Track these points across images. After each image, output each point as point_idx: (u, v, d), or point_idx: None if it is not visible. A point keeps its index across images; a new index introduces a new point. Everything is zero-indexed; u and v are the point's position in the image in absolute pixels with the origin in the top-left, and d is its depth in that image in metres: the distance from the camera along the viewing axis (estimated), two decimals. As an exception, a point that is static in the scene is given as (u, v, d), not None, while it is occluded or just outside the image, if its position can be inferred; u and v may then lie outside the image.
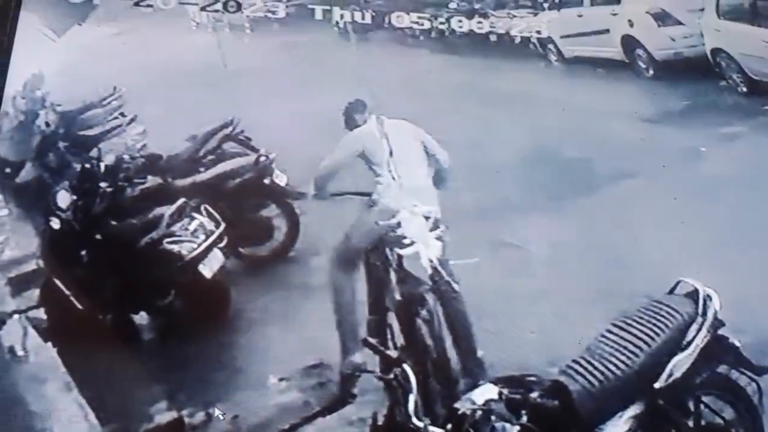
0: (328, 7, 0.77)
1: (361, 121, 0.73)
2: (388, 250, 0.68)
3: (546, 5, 0.82)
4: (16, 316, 0.61)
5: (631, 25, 0.82)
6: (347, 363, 0.65)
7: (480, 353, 0.64)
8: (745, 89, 0.80)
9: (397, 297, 0.66)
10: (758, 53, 0.82)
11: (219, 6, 0.75)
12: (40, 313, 0.61)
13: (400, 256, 0.68)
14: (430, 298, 0.65)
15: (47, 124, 0.68)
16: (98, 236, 0.64)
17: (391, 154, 0.71)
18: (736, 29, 0.84)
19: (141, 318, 0.63)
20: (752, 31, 0.84)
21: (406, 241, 0.68)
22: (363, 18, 0.77)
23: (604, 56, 0.82)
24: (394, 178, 0.70)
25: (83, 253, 0.64)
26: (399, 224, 0.68)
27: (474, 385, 0.63)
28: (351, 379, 0.63)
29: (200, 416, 0.58)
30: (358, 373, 0.63)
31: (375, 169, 0.70)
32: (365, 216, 0.69)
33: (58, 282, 0.62)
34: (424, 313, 0.65)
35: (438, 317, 0.65)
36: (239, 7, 0.75)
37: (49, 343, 0.60)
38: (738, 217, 0.74)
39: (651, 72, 0.80)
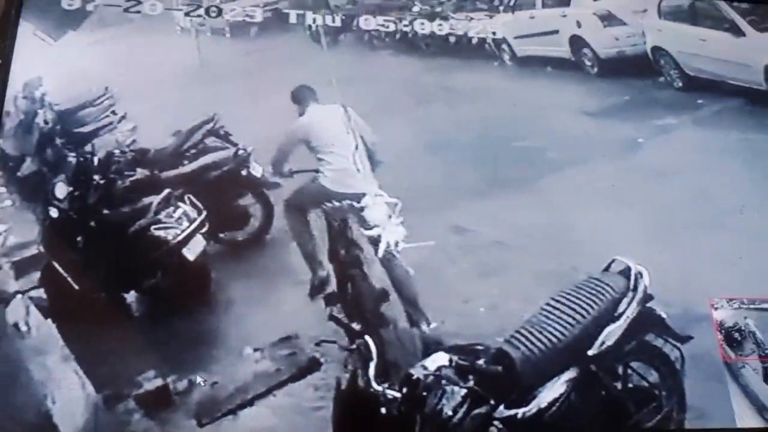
0: (301, 12, 0.78)
1: (301, 111, 0.73)
2: (350, 221, 0.69)
3: (501, 8, 0.83)
4: (19, 296, 0.62)
5: (579, 26, 0.84)
6: (316, 278, 0.67)
7: (434, 325, 0.66)
8: (680, 84, 0.82)
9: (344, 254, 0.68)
10: (694, 50, 0.84)
11: (201, 12, 0.76)
12: (41, 293, 0.63)
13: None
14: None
15: (45, 122, 0.69)
16: (92, 224, 0.66)
17: (356, 147, 0.73)
18: (676, 28, 0.85)
19: (131, 297, 0.65)
20: (690, 30, 0.85)
21: (370, 224, 0.70)
22: (333, 21, 0.78)
23: (554, 55, 0.83)
24: (358, 170, 0.72)
25: (79, 239, 0.65)
26: (362, 209, 0.71)
27: (427, 354, 0.65)
28: (320, 290, 0.66)
29: (184, 383, 0.60)
30: (323, 292, 0.66)
31: (318, 156, 0.71)
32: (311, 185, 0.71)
33: (56, 265, 0.64)
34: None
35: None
36: (220, 12, 0.77)
37: (49, 320, 0.62)
38: (670, 202, 0.75)
39: (596, 69, 0.82)
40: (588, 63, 0.79)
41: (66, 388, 0.59)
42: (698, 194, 0.76)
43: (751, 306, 0.71)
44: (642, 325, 0.68)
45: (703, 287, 0.71)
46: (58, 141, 0.69)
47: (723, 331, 0.69)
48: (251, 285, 0.66)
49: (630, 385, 0.66)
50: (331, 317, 0.65)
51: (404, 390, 0.62)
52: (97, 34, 0.74)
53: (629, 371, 0.66)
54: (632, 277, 0.69)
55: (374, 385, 0.62)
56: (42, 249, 0.63)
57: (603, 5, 0.83)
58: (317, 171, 0.68)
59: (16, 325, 0.61)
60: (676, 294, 0.70)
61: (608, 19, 0.82)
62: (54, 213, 0.65)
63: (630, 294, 0.68)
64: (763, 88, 0.82)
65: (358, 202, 0.70)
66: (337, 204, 0.69)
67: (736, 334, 0.69)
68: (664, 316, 0.68)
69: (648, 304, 0.68)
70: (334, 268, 0.67)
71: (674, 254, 0.73)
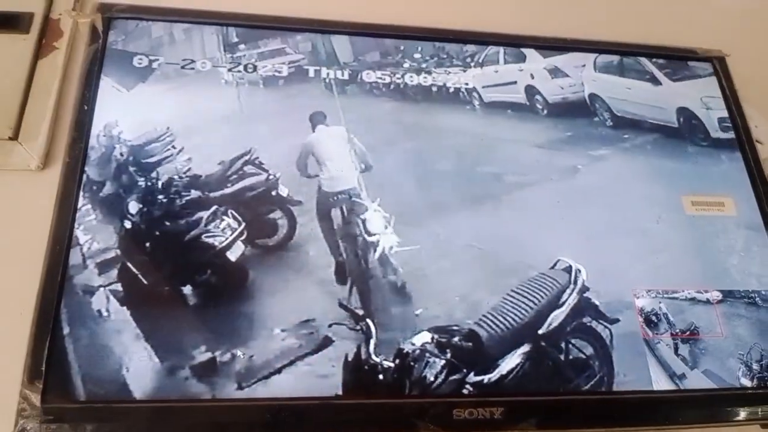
0: (318, 68, 0.80)
1: (313, 129, 0.74)
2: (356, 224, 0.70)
3: (472, 64, 0.83)
4: (101, 288, 0.63)
5: (532, 78, 0.84)
6: (337, 263, 0.67)
7: (419, 311, 0.67)
8: (611, 123, 0.82)
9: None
10: (622, 96, 0.84)
11: (241, 68, 0.78)
12: (118, 287, 0.63)
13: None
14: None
15: (121, 155, 0.70)
16: (157, 233, 0.66)
17: (363, 170, 0.74)
18: (607, 79, 0.85)
19: (187, 289, 0.65)
20: (619, 80, 0.86)
21: (371, 233, 0.71)
22: (342, 75, 0.80)
23: (513, 101, 0.83)
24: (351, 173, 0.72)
25: (147, 244, 0.66)
26: (366, 220, 0.72)
27: (414, 333, 0.66)
28: (341, 272, 0.67)
29: (227, 356, 0.61)
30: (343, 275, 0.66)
31: (320, 166, 0.72)
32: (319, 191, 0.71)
33: (130, 265, 0.64)
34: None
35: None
36: (255, 68, 0.78)
37: (125, 307, 0.62)
38: (603, 215, 0.76)
39: (545, 112, 0.82)
40: (539, 106, 0.79)
41: (137, 360, 0.60)
42: (624, 208, 0.77)
43: (665, 295, 0.72)
44: (580, 310, 0.69)
45: (628, 281, 0.72)
46: (131, 169, 0.69)
47: (643, 315, 0.71)
48: (279, 280, 0.66)
49: (570, 357, 0.67)
50: (341, 305, 0.65)
51: (396, 361, 0.64)
52: (160, 85, 0.74)
53: (570, 346, 0.68)
54: (573, 273, 0.71)
55: (373, 357, 0.63)
56: (119, 252, 0.64)
57: (551, 62, 0.83)
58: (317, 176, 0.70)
59: (99, 312, 0.62)
60: (607, 286, 0.71)
61: (555, 72, 0.82)
62: (128, 225, 0.66)
63: (571, 286, 0.70)
64: (675, 126, 0.83)
65: (350, 197, 0.71)
66: (335, 199, 0.70)
67: (653, 317, 0.71)
68: (597, 303, 0.70)
69: (585, 294, 0.70)
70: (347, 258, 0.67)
71: (605, 255, 0.74)
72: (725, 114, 0.84)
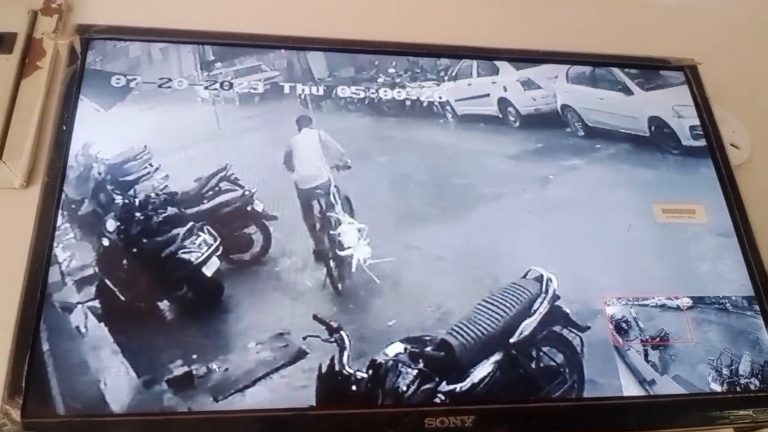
0: (293, 84, 0.82)
1: (298, 131, 0.77)
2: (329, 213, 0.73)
3: (446, 78, 0.84)
4: (79, 305, 0.64)
5: (505, 90, 0.85)
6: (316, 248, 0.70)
7: (392, 322, 0.68)
8: (583, 133, 0.83)
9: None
10: (594, 107, 0.85)
11: (217, 86, 0.80)
12: (96, 304, 0.64)
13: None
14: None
15: (99, 173, 0.71)
16: (134, 250, 0.68)
17: (340, 168, 0.76)
18: (580, 90, 0.86)
19: (164, 305, 0.66)
20: (591, 91, 0.87)
21: (345, 246, 0.73)
22: (317, 91, 0.82)
23: (485, 113, 0.84)
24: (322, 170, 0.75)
25: (125, 261, 0.67)
26: (339, 234, 0.74)
27: (388, 344, 0.67)
28: (320, 255, 0.70)
29: (203, 369, 0.63)
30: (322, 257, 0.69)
31: (296, 164, 0.75)
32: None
33: (107, 281, 0.66)
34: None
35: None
36: (231, 86, 0.80)
37: (102, 324, 0.63)
38: (574, 224, 0.77)
39: (517, 123, 0.83)
40: (512, 118, 0.80)
41: (114, 374, 0.62)
42: (595, 217, 0.78)
43: (636, 302, 0.74)
44: (551, 318, 0.71)
45: (599, 289, 0.74)
46: (109, 187, 0.71)
47: (613, 322, 0.73)
48: (254, 293, 0.68)
49: (541, 365, 0.69)
50: (315, 318, 0.67)
51: (370, 372, 0.65)
52: (137, 104, 0.76)
53: (541, 354, 0.69)
54: (544, 282, 0.73)
55: (347, 368, 0.65)
56: (97, 270, 0.66)
57: (524, 74, 0.84)
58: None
59: (77, 328, 0.64)
60: (578, 294, 0.73)
61: (528, 84, 0.84)
62: (106, 242, 0.67)
63: (542, 295, 0.72)
64: (646, 135, 0.85)
65: (325, 192, 0.74)
66: (312, 194, 0.73)
67: (624, 324, 0.73)
68: (568, 311, 0.72)
69: (556, 303, 0.72)
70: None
71: (577, 264, 0.75)
72: (697, 122, 0.86)
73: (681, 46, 0.96)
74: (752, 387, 0.70)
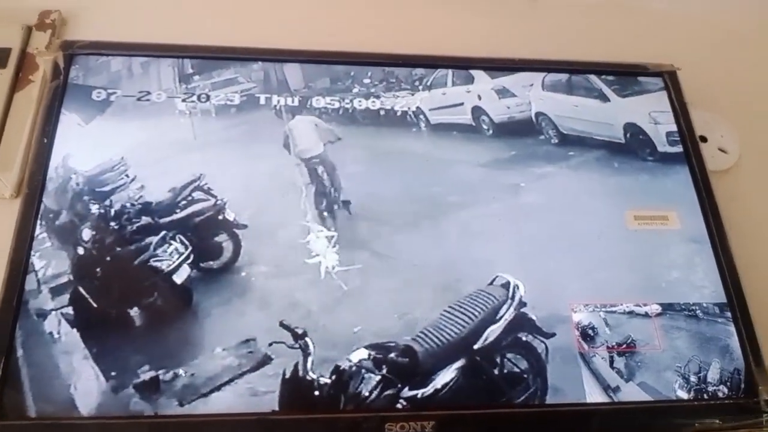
0: (269, 96, 0.85)
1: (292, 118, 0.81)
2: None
3: (420, 87, 0.86)
4: (53, 312, 0.66)
5: (479, 99, 0.85)
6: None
7: (357, 328, 0.69)
8: (557, 141, 0.84)
9: None
10: (569, 114, 0.85)
11: (194, 98, 0.83)
12: (69, 310, 0.67)
13: None
14: None
15: (77, 184, 0.74)
16: (108, 258, 0.70)
17: (332, 142, 0.82)
18: (555, 97, 0.87)
19: (134, 312, 0.68)
20: (566, 98, 0.87)
21: (313, 253, 0.74)
22: (292, 102, 0.84)
23: (459, 122, 0.85)
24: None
25: (98, 270, 0.69)
26: (308, 242, 0.76)
27: (352, 350, 0.69)
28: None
29: (170, 375, 0.65)
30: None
31: (295, 142, 0.82)
32: None
33: (81, 289, 0.68)
34: None
35: None
36: (208, 98, 0.83)
37: (75, 330, 0.66)
38: (543, 232, 0.78)
39: (491, 132, 0.84)
40: (485, 127, 0.81)
41: (84, 379, 0.65)
42: (565, 224, 0.79)
43: (603, 309, 0.75)
44: (517, 325, 0.72)
45: (566, 295, 0.75)
46: (86, 198, 0.74)
47: (579, 329, 0.73)
48: (222, 301, 0.70)
49: (505, 371, 0.70)
50: (281, 324, 0.69)
51: (333, 377, 0.67)
52: (117, 117, 0.79)
53: (505, 360, 0.70)
54: (511, 289, 0.74)
55: (310, 374, 0.67)
56: (71, 278, 0.68)
57: (499, 82, 0.86)
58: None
59: (51, 334, 0.67)
60: (545, 301, 0.74)
61: (502, 92, 0.85)
62: (81, 251, 0.70)
63: (508, 302, 0.73)
64: (621, 142, 0.85)
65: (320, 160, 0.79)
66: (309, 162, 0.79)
67: (590, 331, 0.73)
68: (534, 318, 0.73)
69: (522, 310, 0.73)
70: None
71: (544, 271, 0.76)
72: (674, 128, 0.87)
73: (669, 52, 0.97)
74: (720, 395, 0.71)
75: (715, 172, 0.97)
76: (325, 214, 0.77)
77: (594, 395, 0.69)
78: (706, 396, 0.71)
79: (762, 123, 1.04)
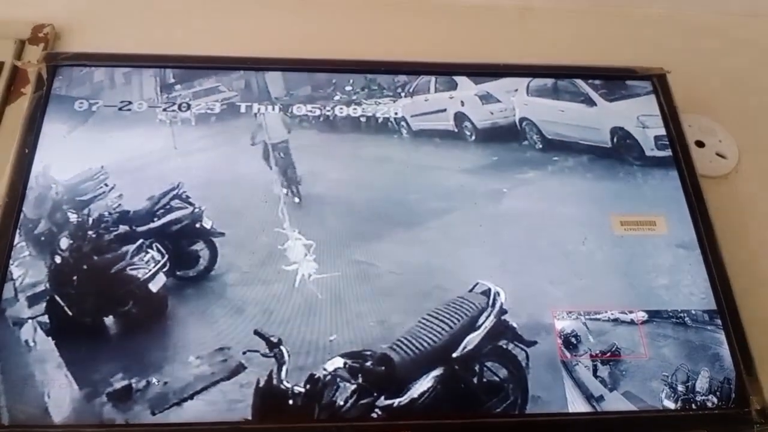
0: (249, 104, 0.86)
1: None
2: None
3: (402, 94, 0.86)
4: (30, 320, 0.67)
5: (462, 105, 0.86)
6: None
7: (333, 337, 0.69)
8: (540, 146, 0.84)
9: None
10: (554, 119, 0.85)
11: (175, 107, 0.84)
12: (45, 319, 0.67)
13: None
14: None
15: (56, 193, 0.75)
16: (84, 267, 0.71)
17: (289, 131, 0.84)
18: (540, 102, 0.87)
19: (109, 320, 0.69)
20: (552, 103, 0.87)
21: (290, 261, 0.75)
22: (273, 110, 0.85)
23: (441, 128, 0.85)
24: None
25: (75, 278, 0.70)
26: (286, 249, 0.76)
27: (327, 359, 0.68)
28: None
29: (143, 383, 0.65)
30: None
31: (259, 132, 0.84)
32: None
33: (57, 298, 0.69)
34: None
35: None
36: (189, 107, 0.84)
37: (50, 338, 0.67)
38: (526, 238, 0.77)
39: (473, 138, 0.84)
40: (468, 133, 0.81)
41: (58, 387, 0.65)
42: (549, 230, 0.79)
43: (587, 316, 0.74)
44: (497, 333, 0.71)
45: (548, 302, 0.74)
46: (65, 207, 0.75)
47: (562, 337, 0.72)
48: (197, 309, 0.71)
49: (484, 380, 0.69)
50: (256, 332, 0.69)
51: (308, 386, 0.67)
52: (98, 127, 0.81)
53: (484, 369, 0.69)
54: (491, 296, 0.73)
55: (285, 383, 0.67)
56: (47, 286, 0.69)
57: (483, 88, 0.86)
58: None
59: (26, 342, 0.68)
60: (526, 309, 0.73)
61: (486, 98, 0.85)
62: (58, 260, 0.71)
63: (489, 309, 0.73)
64: (608, 146, 0.85)
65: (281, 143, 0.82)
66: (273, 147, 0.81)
67: (573, 339, 0.72)
68: (515, 325, 0.72)
69: (503, 317, 0.72)
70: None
71: (526, 278, 0.76)
72: (663, 132, 0.86)
73: (665, 56, 0.96)
74: (709, 405, 0.69)
75: (713, 178, 0.96)
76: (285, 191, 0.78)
77: (576, 405, 0.68)
78: (694, 406, 0.69)
79: (761, 128, 1.03)
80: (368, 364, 0.68)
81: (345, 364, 0.68)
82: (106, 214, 0.75)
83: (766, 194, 0.96)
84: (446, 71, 0.89)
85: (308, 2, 1.00)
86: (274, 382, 0.67)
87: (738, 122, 1.03)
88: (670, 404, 0.69)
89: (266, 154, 0.80)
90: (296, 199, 0.77)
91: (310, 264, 0.74)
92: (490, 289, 0.74)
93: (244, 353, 0.68)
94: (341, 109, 0.85)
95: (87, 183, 0.77)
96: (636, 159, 0.85)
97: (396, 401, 0.67)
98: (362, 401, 0.67)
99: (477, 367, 0.69)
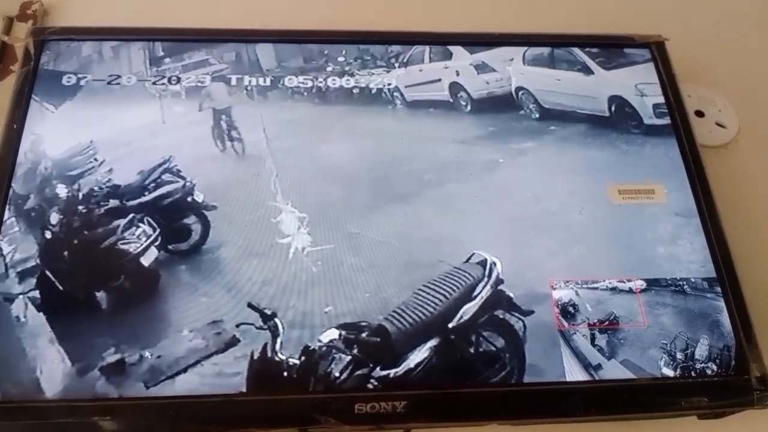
0: (240, 76, 0.85)
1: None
2: None
3: (396, 64, 0.86)
4: (21, 296, 0.67)
5: (458, 75, 0.85)
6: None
7: (328, 309, 0.69)
8: (537, 115, 0.83)
9: None
10: (551, 88, 0.84)
11: (165, 81, 0.83)
12: (36, 294, 0.67)
13: None
14: None
15: (46, 168, 0.74)
16: (75, 242, 0.71)
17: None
18: (536, 71, 0.85)
19: (100, 294, 0.69)
20: (548, 72, 0.86)
21: (284, 234, 0.74)
22: (264, 82, 0.84)
23: (436, 99, 0.84)
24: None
25: (65, 253, 0.70)
26: (279, 222, 0.76)
27: (322, 331, 0.68)
28: None
29: (136, 357, 0.65)
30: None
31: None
32: None
33: (48, 273, 0.69)
34: None
35: None
36: (179, 80, 0.83)
37: (41, 313, 0.67)
38: (523, 208, 0.77)
39: (469, 108, 0.83)
40: (463, 103, 0.80)
41: (50, 362, 0.65)
42: (545, 200, 0.78)
43: (584, 285, 0.74)
44: (493, 303, 0.71)
45: (546, 272, 0.74)
46: (54, 182, 0.74)
47: (559, 306, 0.72)
48: (190, 282, 0.70)
49: (481, 350, 0.69)
50: (250, 305, 0.69)
51: (302, 358, 0.67)
52: (86, 102, 0.80)
53: (481, 339, 0.70)
54: (488, 267, 0.73)
55: (279, 355, 0.67)
56: (38, 261, 0.69)
57: (478, 57, 0.85)
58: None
59: (17, 318, 0.68)
60: (523, 278, 0.73)
61: (481, 67, 0.84)
62: (48, 235, 0.71)
63: (485, 279, 0.72)
64: (605, 115, 0.84)
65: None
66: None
67: (570, 308, 0.72)
68: (512, 295, 0.72)
69: (499, 287, 0.72)
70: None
71: (523, 247, 0.75)
72: (661, 100, 0.86)
73: (664, 25, 0.95)
74: (708, 372, 0.69)
75: (712, 147, 0.96)
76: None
77: (574, 374, 0.68)
78: (693, 374, 0.69)
79: (761, 98, 1.03)
80: (364, 335, 0.69)
81: (340, 335, 0.68)
82: (96, 188, 0.75)
83: (766, 164, 0.96)
84: (441, 41, 0.88)
85: (299, -27, 0.99)
86: (269, 354, 0.67)
87: (738, 92, 1.03)
88: (669, 372, 0.69)
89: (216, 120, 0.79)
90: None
91: (303, 237, 0.74)
92: (486, 260, 0.73)
93: (238, 326, 0.68)
94: (334, 80, 0.84)
95: (76, 158, 0.77)
96: (634, 127, 0.85)
97: (392, 372, 0.67)
98: (358, 372, 0.67)
99: (473, 337, 0.69)
